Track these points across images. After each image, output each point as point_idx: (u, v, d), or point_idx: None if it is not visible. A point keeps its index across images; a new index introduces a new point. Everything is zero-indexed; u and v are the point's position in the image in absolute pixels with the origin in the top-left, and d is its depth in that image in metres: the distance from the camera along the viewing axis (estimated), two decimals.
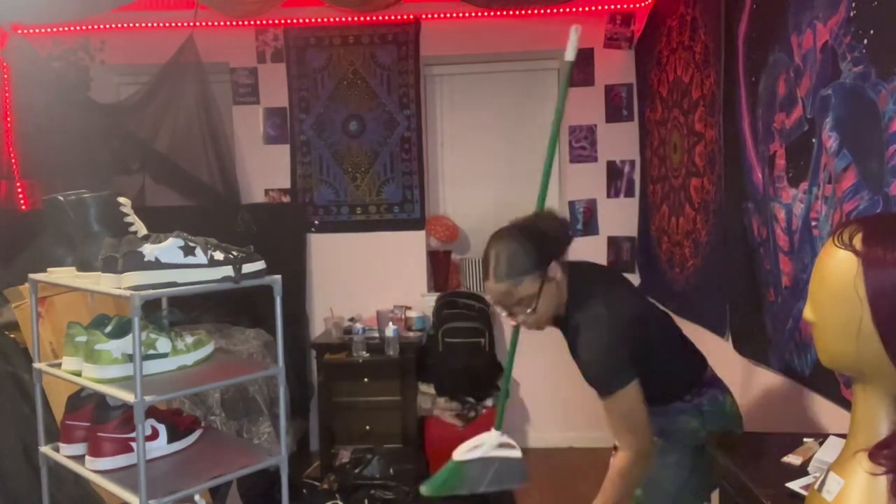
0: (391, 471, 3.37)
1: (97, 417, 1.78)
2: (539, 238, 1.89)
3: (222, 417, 3.15)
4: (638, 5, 4.08)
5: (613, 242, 4.28)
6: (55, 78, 4.06)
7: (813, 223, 2.05)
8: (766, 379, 2.45)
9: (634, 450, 1.84)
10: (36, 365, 1.97)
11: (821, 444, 1.55)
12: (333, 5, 4.10)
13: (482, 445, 2.24)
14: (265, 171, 4.32)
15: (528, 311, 1.91)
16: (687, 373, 2.01)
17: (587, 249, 4.27)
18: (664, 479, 1.97)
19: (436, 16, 4.20)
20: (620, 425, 1.85)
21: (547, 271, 1.88)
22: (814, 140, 2.02)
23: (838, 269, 1.03)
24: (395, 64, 4.24)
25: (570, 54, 2.29)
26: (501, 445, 2.26)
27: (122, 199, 1.99)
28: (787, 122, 2.19)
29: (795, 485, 1.39)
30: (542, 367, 4.27)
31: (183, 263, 1.66)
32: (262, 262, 1.81)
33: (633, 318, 1.89)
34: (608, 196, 4.27)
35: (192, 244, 1.69)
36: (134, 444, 1.68)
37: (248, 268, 1.76)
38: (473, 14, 4.15)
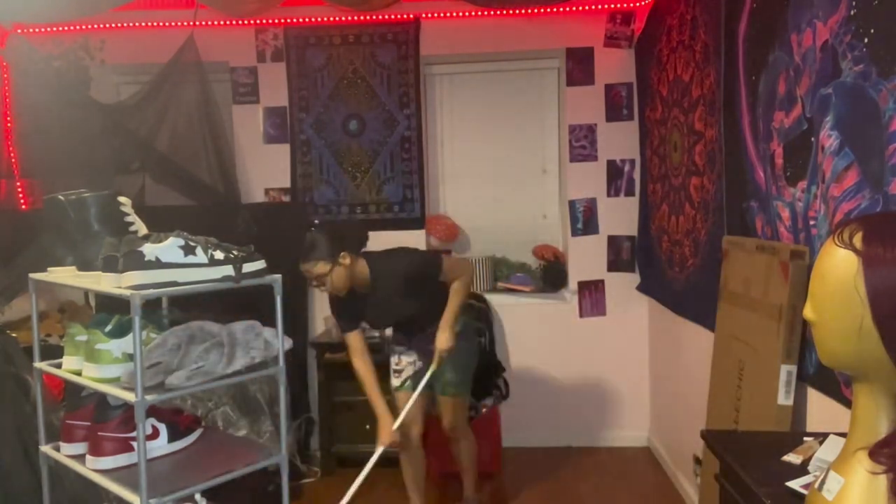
0: None
1: (98, 417, 1.78)
2: (335, 237, 2.83)
3: (231, 406, 3.19)
4: (638, 4, 4.08)
5: (613, 241, 4.28)
6: (55, 77, 4.06)
7: (811, 222, 2.05)
8: None
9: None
10: (36, 364, 1.98)
11: (821, 442, 1.55)
12: (333, 4, 4.10)
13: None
14: (265, 170, 4.32)
15: (323, 285, 2.84)
16: None
17: (587, 248, 4.28)
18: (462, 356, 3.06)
19: (436, 15, 4.20)
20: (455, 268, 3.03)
21: (337, 259, 2.80)
22: (812, 139, 2.02)
23: (838, 268, 1.04)
24: (395, 63, 4.24)
25: None
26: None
27: (122, 199, 1.99)
28: (787, 122, 2.19)
29: (796, 484, 1.39)
30: (541, 368, 4.28)
31: (183, 263, 1.66)
32: (263, 261, 1.81)
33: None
34: (608, 195, 4.27)
35: (192, 243, 1.69)
36: (134, 444, 1.68)
37: (248, 267, 1.76)
38: (473, 13, 4.15)
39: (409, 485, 3.23)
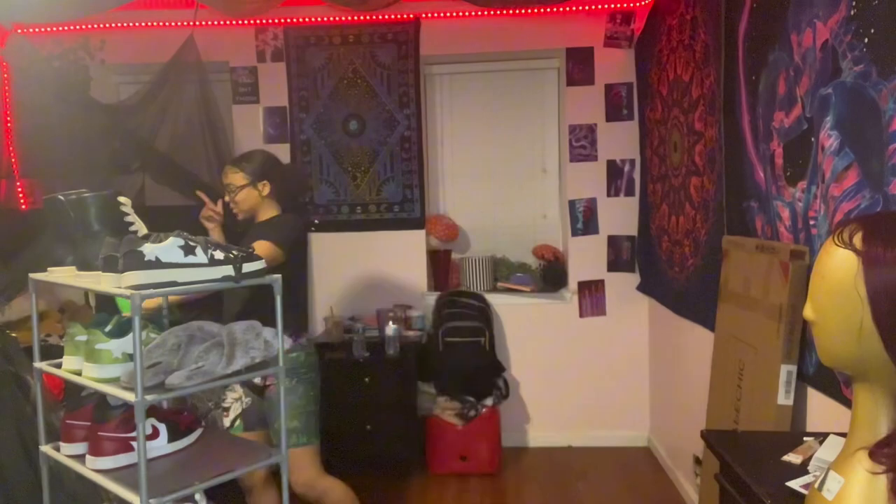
0: None
1: (98, 417, 1.78)
2: (275, 166, 2.70)
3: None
4: (638, 4, 4.08)
5: (613, 241, 4.28)
6: (55, 77, 4.05)
7: (811, 222, 2.05)
8: None
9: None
10: (36, 364, 1.97)
11: (821, 442, 1.55)
12: (333, 4, 4.09)
13: None
14: None
15: (232, 195, 2.64)
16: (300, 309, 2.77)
17: (587, 248, 4.28)
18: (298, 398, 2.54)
19: (435, 15, 4.20)
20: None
21: (258, 183, 2.62)
22: (812, 139, 2.02)
23: (838, 268, 1.04)
24: (395, 63, 4.24)
25: None
26: None
27: (122, 199, 1.99)
28: (787, 121, 2.19)
29: (796, 483, 1.39)
30: (541, 368, 4.28)
31: (183, 263, 1.66)
32: (263, 261, 1.81)
33: (298, 240, 2.69)
34: (608, 195, 4.27)
35: (192, 243, 1.69)
36: (134, 444, 1.68)
37: (248, 267, 1.76)
38: (473, 13, 4.15)
39: None
